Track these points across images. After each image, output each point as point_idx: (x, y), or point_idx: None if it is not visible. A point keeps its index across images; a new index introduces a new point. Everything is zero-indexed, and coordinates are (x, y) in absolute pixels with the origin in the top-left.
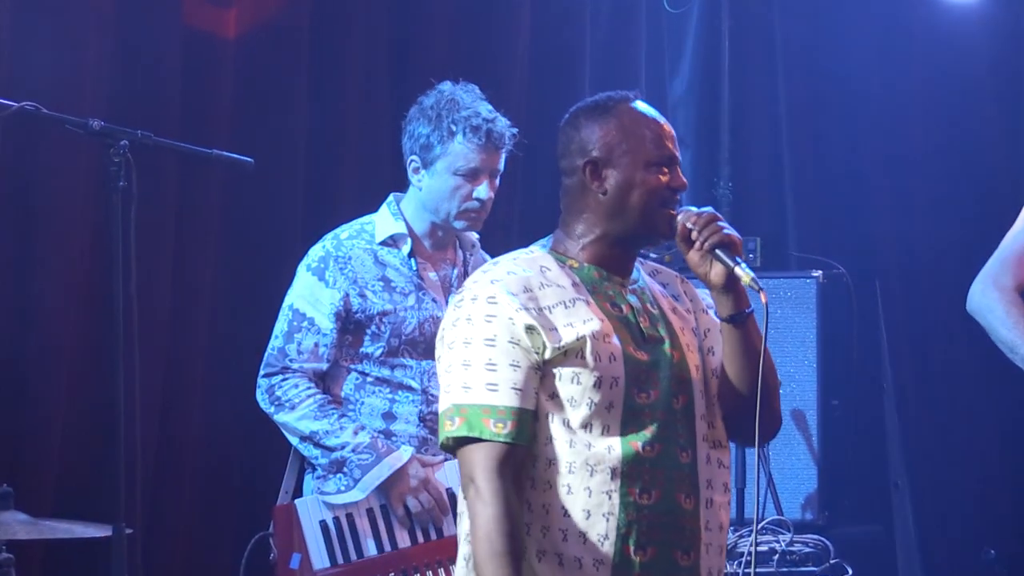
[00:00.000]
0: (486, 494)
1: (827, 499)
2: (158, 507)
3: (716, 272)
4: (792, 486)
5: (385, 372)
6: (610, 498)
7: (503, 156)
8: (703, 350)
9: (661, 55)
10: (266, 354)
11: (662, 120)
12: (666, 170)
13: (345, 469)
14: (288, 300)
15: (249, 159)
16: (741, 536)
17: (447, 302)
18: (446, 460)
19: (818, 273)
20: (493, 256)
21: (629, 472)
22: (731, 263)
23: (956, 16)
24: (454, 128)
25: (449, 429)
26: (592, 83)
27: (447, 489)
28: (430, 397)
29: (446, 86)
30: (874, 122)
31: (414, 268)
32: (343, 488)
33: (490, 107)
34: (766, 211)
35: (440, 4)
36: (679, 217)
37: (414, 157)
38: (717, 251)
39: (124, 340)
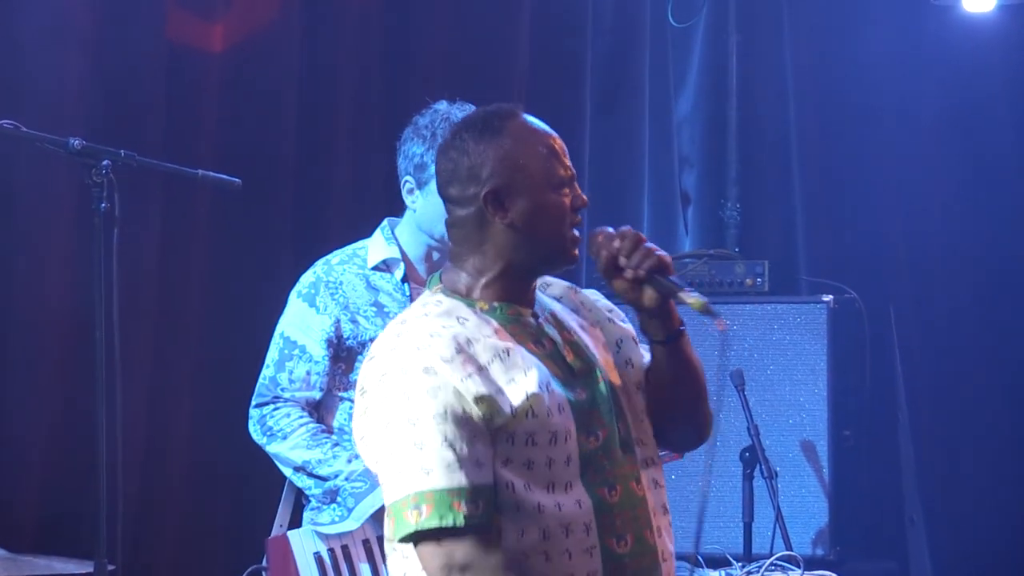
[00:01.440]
0: (494, 570)
1: (839, 534)
2: (141, 541)
3: (649, 296)
4: (802, 520)
5: None
6: (591, 555)
7: None
8: (620, 364)
9: (666, 71)
10: (257, 384)
11: (554, 134)
12: (567, 190)
13: (339, 499)
14: (279, 328)
15: (236, 180)
16: (749, 573)
17: None
18: None
19: (829, 298)
20: None
21: (603, 523)
22: (676, 290)
23: (970, 31)
24: None
25: (415, 521)
26: (593, 100)
27: None
28: None
29: (441, 105)
30: (887, 141)
31: (407, 293)
32: (337, 519)
33: None
34: (775, 233)
35: (435, 18)
36: (598, 241)
37: (408, 177)
38: (656, 277)
39: (106, 369)
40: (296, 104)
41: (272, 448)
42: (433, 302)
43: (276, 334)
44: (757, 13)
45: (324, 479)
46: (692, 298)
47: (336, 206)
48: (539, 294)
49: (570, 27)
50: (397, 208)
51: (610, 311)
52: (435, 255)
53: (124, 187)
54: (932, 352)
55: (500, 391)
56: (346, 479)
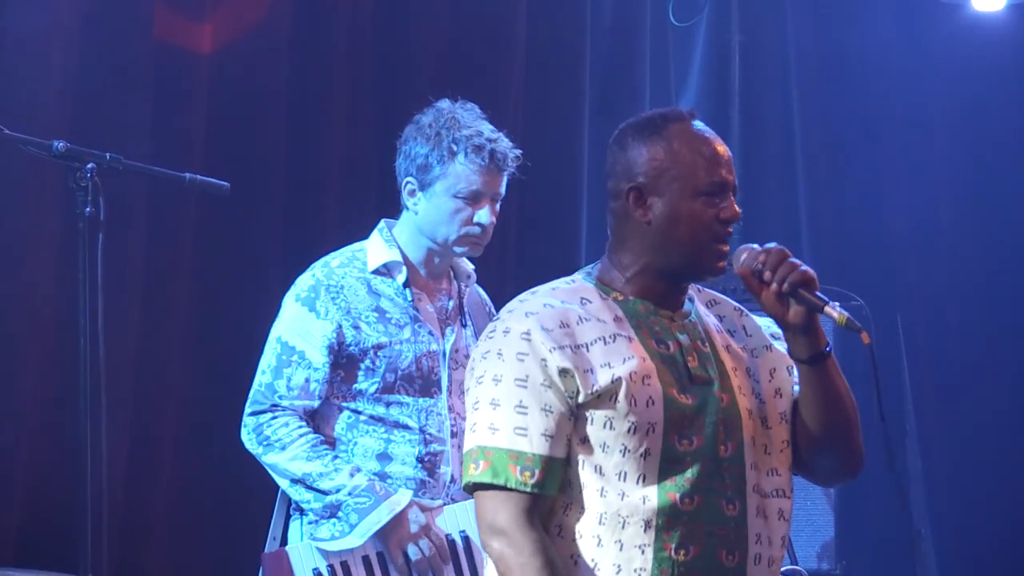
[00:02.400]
0: (523, 545)
1: (845, 548)
2: (128, 555)
3: (795, 312)
4: (807, 533)
5: (380, 410)
6: (643, 553)
7: (505, 179)
8: (765, 392)
9: (666, 71)
10: (252, 390)
11: (718, 142)
12: (718, 200)
13: (340, 514)
14: (275, 332)
15: (225, 183)
16: None
17: (444, 335)
18: (444, 505)
19: (835, 305)
20: (495, 279)
21: (665, 525)
22: (821, 304)
23: (980, 31)
24: (455, 148)
25: (472, 473)
26: (592, 100)
27: (447, 536)
28: (428, 437)
29: (445, 104)
30: (895, 142)
31: (409, 299)
32: (338, 534)
33: (492, 127)
34: (779, 238)
35: (430, 16)
36: (743, 259)
37: (410, 179)
38: (801, 292)
39: (90, 379)
40: (287, 106)
41: (269, 459)
42: (567, 280)
43: (272, 339)
44: (760, 12)
45: (325, 493)
46: (836, 312)
47: (329, 210)
48: (698, 306)
49: (569, 26)
50: (391, 211)
51: (776, 337)
52: (436, 259)
53: (109, 191)
54: (941, 361)
55: (590, 370)
56: (349, 494)
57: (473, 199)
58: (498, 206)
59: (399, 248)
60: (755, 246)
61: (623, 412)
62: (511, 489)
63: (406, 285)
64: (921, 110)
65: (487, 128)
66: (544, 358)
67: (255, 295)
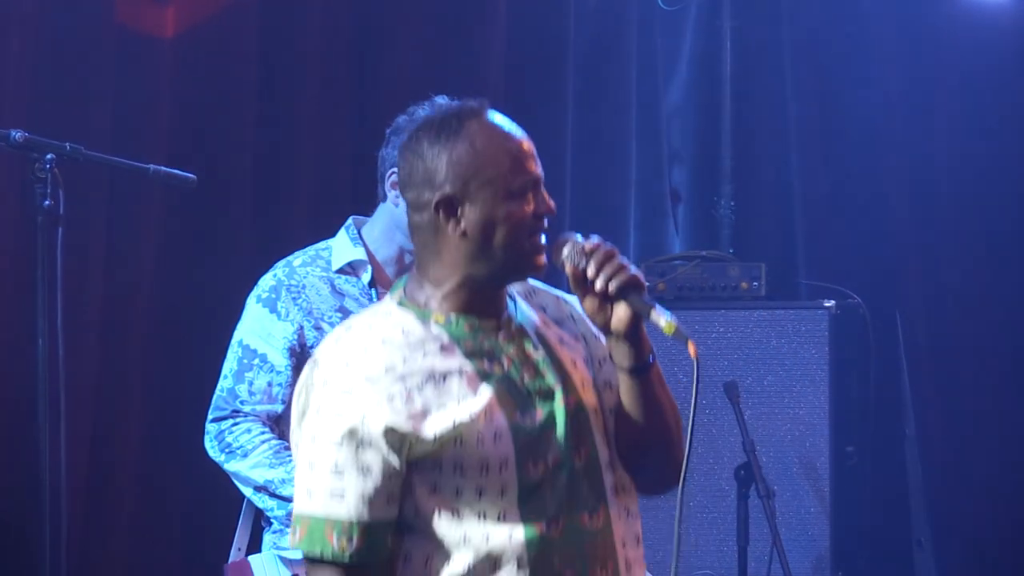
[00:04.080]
0: None
1: (841, 558)
2: (87, 566)
3: (619, 318)
4: (802, 543)
5: None
6: None
7: None
8: (599, 384)
9: (654, 58)
10: (214, 396)
11: (519, 135)
12: (530, 196)
13: None
14: (237, 335)
15: (191, 175)
16: None
17: None
18: None
19: (831, 303)
20: None
21: (537, 559)
22: (647, 309)
23: (985, 15)
24: None
25: (292, 541)
26: (576, 89)
27: None
28: None
29: (443, 101)
30: (895, 133)
31: (374, 299)
32: None
33: None
34: (772, 233)
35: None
36: (565, 252)
37: (396, 170)
38: (628, 296)
39: (49, 382)
40: (256, 93)
41: (231, 466)
42: (383, 312)
43: (234, 342)
44: None
45: (288, 500)
46: (664, 319)
47: (300, 204)
48: (519, 301)
49: (551, 10)
50: (365, 205)
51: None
52: (407, 257)
53: (69, 183)
54: (942, 361)
55: (424, 417)
56: None
57: None
58: None
59: (364, 246)
60: (577, 237)
61: (472, 454)
62: (327, 562)
63: (372, 285)
64: (921, 98)
65: None
66: (364, 415)
67: (223, 293)
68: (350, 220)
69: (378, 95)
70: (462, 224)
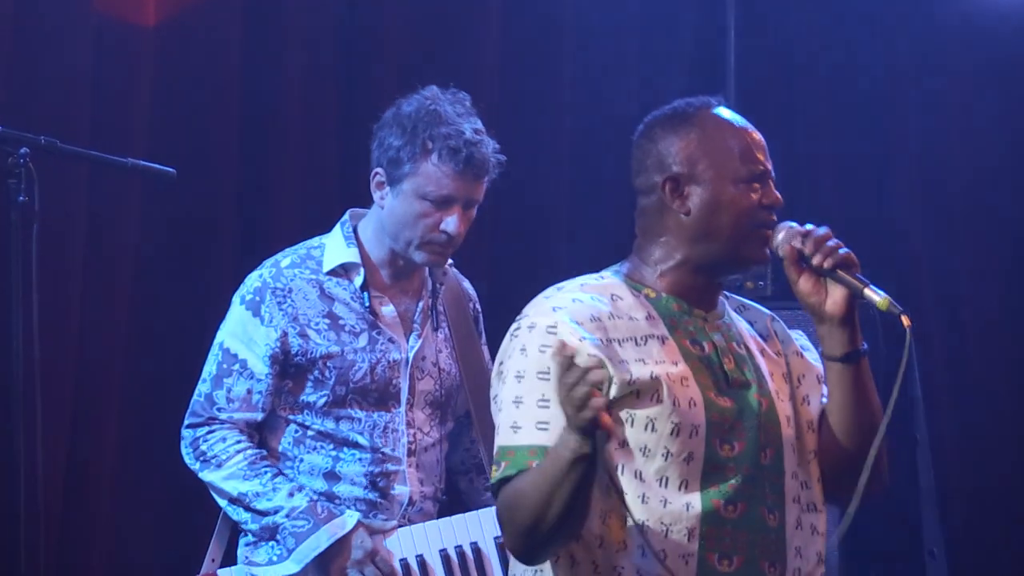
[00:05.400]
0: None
1: (850, 569)
2: (64, 568)
3: (834, 300)
4: None
5: (328, 425)
6: (687, 563)
7: (484, 186)
8: (795, 399)
9: (655, 51)
10: (192, 401)
11: (751, 128)
12: (757, 186)
13: (278, 537)
14: (219, 337)
15: (171, 169)
16: None
17: (408, 342)
18: (399, 527)
19: None
20: (468, 277)
21: (709, 534)
22: (861, 287)
23: (1002, 10)
24: (429, 145)
25: (495, 473)
26: (573, 77)
27: (401, 560)
28: (380, 456)
29: (431, 92)
30: (907, 126)
31: (367, 302)
32: (275, 559)
33: (478, 125)
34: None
35: None
36: (780, 236)
37: (380, 170)
38: (840, 273)
39: (24, 382)
40: (240, 84)
41: (206, 476)
42: (596, 277)
43: (215, 344)
44: None
45: (263, 513)
46: (879, 295)
47: (286, 199)
48: (731, 312)
49: (546, 5)
50: (353, 200)
51: (805, 349)
52: (401, 261)
53: (45, 178)
54: (955, 364)
55: (623, 361)
56: (286, 516)
57: (442, 204)
58: (473, 213)
59: (358, 247)
60: (794, 224)
61: (666, 412)
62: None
63: (364, 288)
64: (937, 89)
65: (470, 128)
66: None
67: (204, 292)
68: (347, 215)
69: (367, 86)
70: (687, 203)
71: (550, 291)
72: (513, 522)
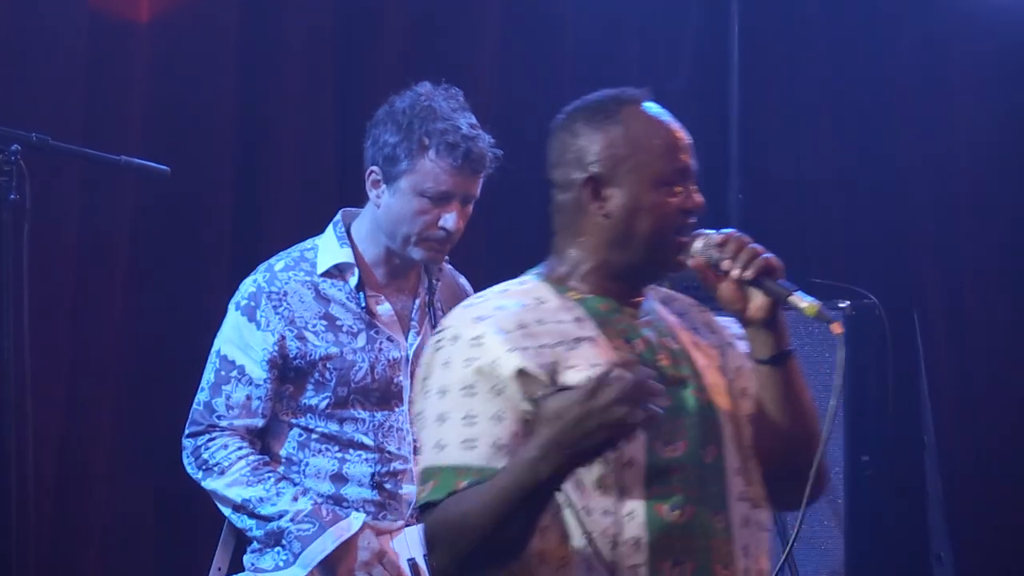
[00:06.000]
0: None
1: (856, 573)
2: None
3: (756, 305)
4: (814, 557)
5: (333, 427)
6: (637, 575)
7: (481, 181)
8: (734, 392)
9: (658, 42)
10: (191, 409)
11: (676, 126)
12: (679, 188)
13: (284, 542)
14: (216, 344)
15: (165, 167)
16: None
17: (407, 339)
18: (406, 526)
19: (845, 304)
20: (465, 275)
21: (657, 542)
22: (786, 293)
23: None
24: (426, 142)
25: (422, 495)
26: (574, 76)
27: (409, 560)
28: (386, 455)
29: (424, 88)
30: (913, 122)
31: (363, 303)
32: (281, 564)
33: (472, 120)
34: (783, 229)
35: None
36: (698, 247)
37: (375, 168)
38: (764, 282)
39: (15, 386)
40: (236, 80)
41: (208, 484)
42: (518, 282)
43: (213, 351)
44: None
45: (267, 519)
46: (805, 302)
47: (282, 197)
48: (656, 305)
49: None
50: (351, 198)
51: (738, 339)
52: (397, 259)
53: (37, 175)
54: (963, 366)
55: (556, 370)
56: (291, 520)
57: (440, 200)
58: (470, 209)
59: (351, 247)
60: (710, 232)
61: None
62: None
63: (359, 288)
64: (941, 81)
65: (466, 123)
66: (495, 360)
67: (199, 293)
68: (339, 216)
69: (364, 82)
70: (606, 206)
71: (471, 300)
72: (455, 546)
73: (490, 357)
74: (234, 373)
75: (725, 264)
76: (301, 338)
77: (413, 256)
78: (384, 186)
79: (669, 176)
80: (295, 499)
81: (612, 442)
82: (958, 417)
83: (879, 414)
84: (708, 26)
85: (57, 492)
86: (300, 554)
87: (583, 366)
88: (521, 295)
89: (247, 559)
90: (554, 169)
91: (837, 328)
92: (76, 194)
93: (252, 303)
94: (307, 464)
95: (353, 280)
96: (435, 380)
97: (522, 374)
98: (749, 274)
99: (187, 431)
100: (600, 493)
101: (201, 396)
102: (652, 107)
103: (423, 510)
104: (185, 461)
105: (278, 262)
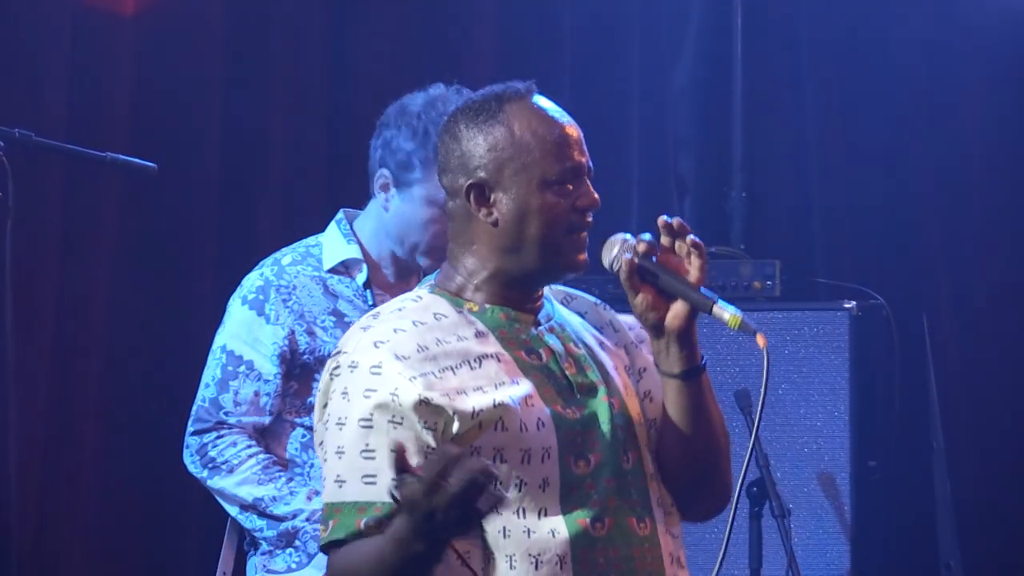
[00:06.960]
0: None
1: None
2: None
3: (675, 314)
4: (819, 565)
5: None
6: None
7: None
8: (640, 394)
9: (659, 36)
10: (195, 407)
11: (564, 120)
12: (571, 187)
13: (297, 542)
14: (219, 340)
15: (152, 164)
16: None
17: None
18: None
19: (851, 304)
20: None
21: (582, 557)
22: (708, 303)
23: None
24: None
25: (324, 534)
26: (574, 72)
27: None
28: None
29: (438, 91)
30: (921, 120)
31: (370, 301)
32: (295, 565)
33: None
34: (787, 228)
35: None
36: (614, 252)
37: (386, 171)
38: (688, 290)
39: None
40: (223, 75)
41: (215, 483)
42: (413, 298)
43: (216, 348)
44: None
45: (280, 519)
46: (728, 312)
47: (270, 195)
48: (556, 306)
49: None
50: (339, 196)
51: (641, 341)
52: (400, 262)
53: (19, 172)
54: (973, 368)
55: (460, 395)
56: (307, 520)
57: None
58: None
59: (359, 243)
60: (628, 237)
61: (514, 441)
62: (345, 541)
63: (367, 285)
64: (949, 84)
65: None
66: (395, 391)
67: (186, 291)
68: (341, 213)
69: (354, 79)
70: (494, 212)
71: (366, 320)
72: None
73: (389, 388)
74: (242, 369)
75: (680, 248)
76: (311, 333)
77: (419, 263)
78: (395, 191)
79: (558, 175)
80: (309, 498)
81: (470, 525)
82: (967, 421)
83: (886, 418)
84: (711, 21)
85: (39, 492)
86: (316, 555)
87: (488, 387)
88: (418, 312)
89: (255, 561)
90: (442, 175)
91: (762, 341)
92: (60, 191)
93: (260, 296)
94: (311, 465)
95: (360, 277)
96: (334, 410)
97: (423, 404)
98: (695, 274)
99: (191, 428)
100: (518, 516)
101: (206, 392)
102: (539, 101)
103: (326, 550)
104: (188, 459)
105: (284, 256)
